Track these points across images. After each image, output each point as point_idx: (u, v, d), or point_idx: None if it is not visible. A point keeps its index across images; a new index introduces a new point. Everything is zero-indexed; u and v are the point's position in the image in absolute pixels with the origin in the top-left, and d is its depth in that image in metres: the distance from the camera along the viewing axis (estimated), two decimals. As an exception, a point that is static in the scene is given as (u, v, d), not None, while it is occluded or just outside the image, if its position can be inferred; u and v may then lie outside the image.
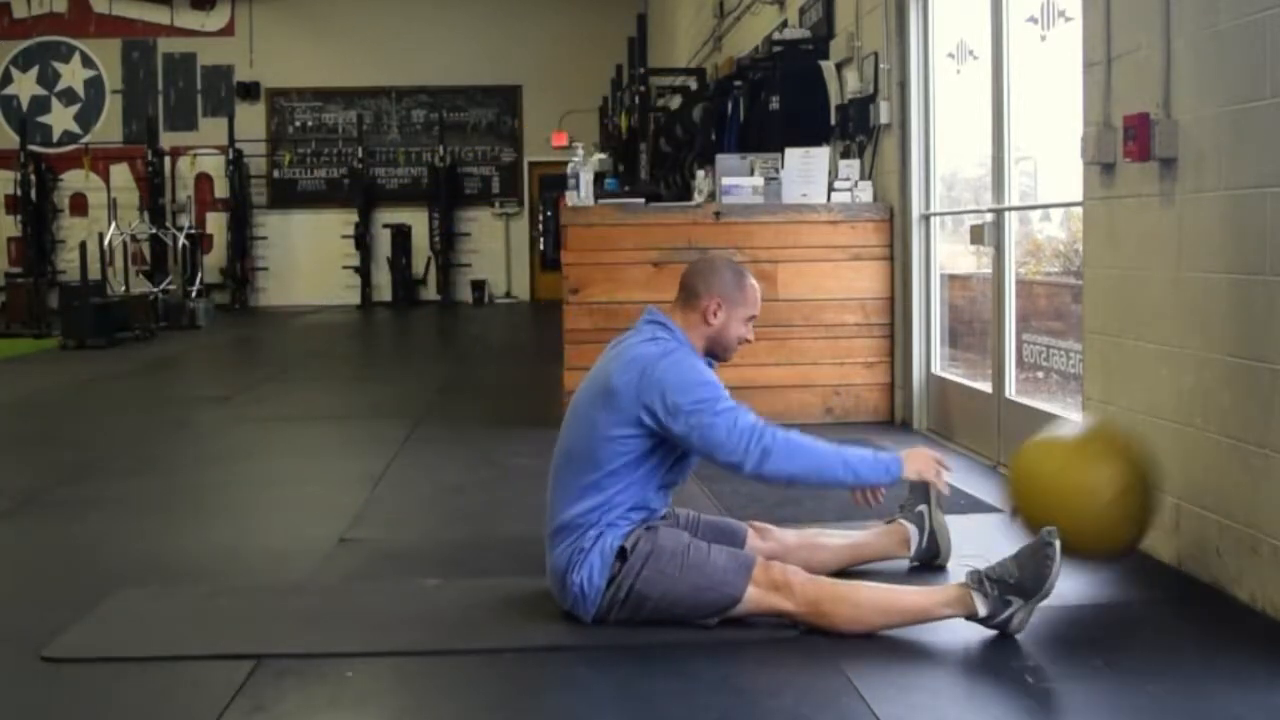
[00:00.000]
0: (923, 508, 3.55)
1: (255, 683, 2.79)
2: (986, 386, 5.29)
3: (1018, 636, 2.98)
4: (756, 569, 3.02)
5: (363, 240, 17.72)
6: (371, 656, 2.95)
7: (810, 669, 2.83)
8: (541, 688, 2.81)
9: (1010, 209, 5.09)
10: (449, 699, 2.80)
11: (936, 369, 6.03)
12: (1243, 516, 3.21)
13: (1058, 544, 2.88)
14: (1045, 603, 3.28)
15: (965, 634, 2.98)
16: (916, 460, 3.15)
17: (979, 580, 2.96)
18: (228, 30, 18.18)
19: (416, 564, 3.72)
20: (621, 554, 3.03)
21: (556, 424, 6.22)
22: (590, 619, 3.06)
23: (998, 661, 2.85)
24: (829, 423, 6.18)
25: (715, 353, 3.26)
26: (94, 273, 12.01)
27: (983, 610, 2.94)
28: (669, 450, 3.12)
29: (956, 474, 4.95)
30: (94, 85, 18.14)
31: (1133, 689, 2.71)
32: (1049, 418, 4.70)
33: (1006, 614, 2.93)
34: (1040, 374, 4.97)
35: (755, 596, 3.00)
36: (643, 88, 11.34)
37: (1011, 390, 5.08)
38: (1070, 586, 3.59)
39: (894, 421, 6.21)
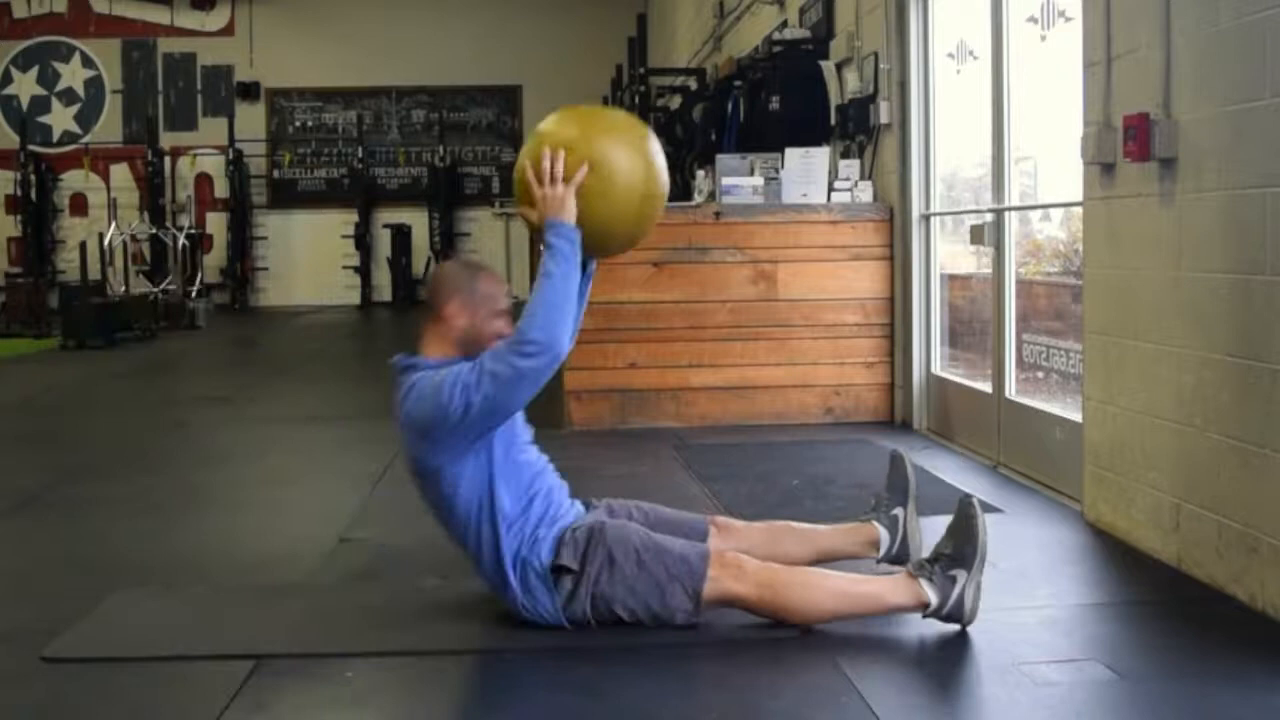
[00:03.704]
0: (899, 510, 3.43)
1: (255, 683, 2.79)
2: (986, 386, 5.29)
3: (1015, 637, 2.98)
4: (712, 554, 3.03)
5: (363, 240, 17.72)
6: (371, 656, 2.95)
7: (810, 669, 2.83)
8: (542, 688, 2.81)
9: (1010, 209, 5.09)
10: (449, 699, 2.80)
11: (936, 369, 6.03)
12: (1243, 516, 3.21)
13: (976, 504, 3.03)
14: (1046, 603, 3.30)
15: (965, 633, 2.98)
16: (552, 205, 3.01)
17: (920, 566, 3.01)
18: (228, 30, 18.17)
19: (416, 564, 3.72)
20: (559, 570, 3.01)
21: (556, 424, 6.22)
22: (570, 627, 3.05)
23: (998, 661, 2.85)
24: (829, 423, 6.19)
25: (472, 354, 3.11)
26: (94, 273, 12.01)
27: (934, 598, 2.96)
28: (486, 435, 3.04)
29: (955, 474, 5.01)
30: (94, 85, 18.13)
31: (1133, 689, 2.71)
32: (1049, 418, 4.71)
33: (956, 593, 2.96)
34: (1040, 374, 4.97)
35: (711, 583, 2.99)
36: (643, 88, 11.35)
37: (1011, 390, 5.08)
38: (1070, 586, 3.61)
39: (894, 421, 6.21)
